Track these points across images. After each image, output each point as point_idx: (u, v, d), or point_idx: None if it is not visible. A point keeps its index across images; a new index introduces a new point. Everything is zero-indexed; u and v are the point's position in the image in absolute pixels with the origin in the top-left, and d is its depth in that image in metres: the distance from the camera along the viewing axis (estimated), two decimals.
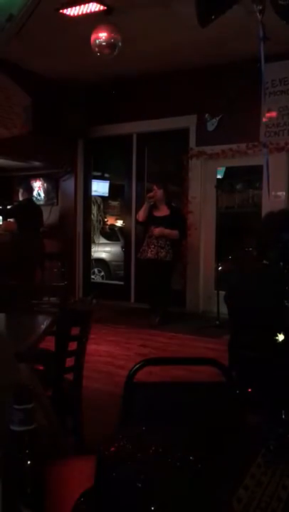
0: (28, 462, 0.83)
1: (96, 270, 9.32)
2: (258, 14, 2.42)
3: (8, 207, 7.84)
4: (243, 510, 0.99)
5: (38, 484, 0.85)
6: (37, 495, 0.85)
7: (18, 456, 0.83)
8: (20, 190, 7.48)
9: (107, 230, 10.43)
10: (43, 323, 2.49)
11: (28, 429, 0.84)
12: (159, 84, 7.15)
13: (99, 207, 9.82)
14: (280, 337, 1.78)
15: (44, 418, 1.61)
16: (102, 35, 5.12)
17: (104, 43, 5.14)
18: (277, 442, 1.22)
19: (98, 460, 0.82)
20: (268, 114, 6.35)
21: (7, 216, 7.57)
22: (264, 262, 2.30)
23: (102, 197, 10.13)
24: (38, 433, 0.85)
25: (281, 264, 2.14)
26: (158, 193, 6.42)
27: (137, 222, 6.89)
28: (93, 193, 8.80)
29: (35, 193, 8.20)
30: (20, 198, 7.46)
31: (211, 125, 6.88)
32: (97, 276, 9.34)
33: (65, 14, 5.26)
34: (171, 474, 0.78)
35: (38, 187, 8.40)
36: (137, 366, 1.61)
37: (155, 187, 6.52)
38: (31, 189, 7.82)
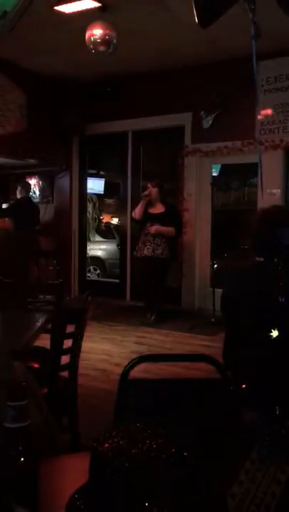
0: (22, 459, 0.83)
1: (92, 268, 9.31)
2: (249, 13, 2.39)
3: (4, 205, 7.81)
4: (237, 506, 0.99)
5: (32, 481, 0.85)
6: (31, 492, 0.85)
7: (12, 453, 0.83)
8: (18, 188, 7.46)
9: (103, 228, 10.42)
10: (38, 320, 2.49)
11: (22, 426, 0.83)
12: (155, 81, 7.14)
13: (94, 205, 9.81)
14: (274, 333, 1.78)
15: (39, 415, 1.60)
16: (97, 33, 5.10)
17: (99, 40, 5.13)
18: (271, 438, 1.23)
19: (92, 456, 0.82)
20: (263, 112, 6.36)
21: (4, 215, 7.55)
22: (259, 258, 2.31)
23: (97, 195, 10.11)
24: (32, 430, 0.85)
25: (275, 260, 2.15)
26: (153, 191, 6.44)
27: (133, 220, 6.90)
28: (89, 191, 8.78)
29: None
30: (18, 196, 7.44)
31: (207, 123, 6.87)
32: (93, 274, 9.33)
33: (59, 11, 5.24)
34: (166, 470, 0.78)
35: (34, 185, 8.38)
36: (131, 363, 1.61)
37: (149, 185, 6.53)
38: (28, 187, 7.80)
